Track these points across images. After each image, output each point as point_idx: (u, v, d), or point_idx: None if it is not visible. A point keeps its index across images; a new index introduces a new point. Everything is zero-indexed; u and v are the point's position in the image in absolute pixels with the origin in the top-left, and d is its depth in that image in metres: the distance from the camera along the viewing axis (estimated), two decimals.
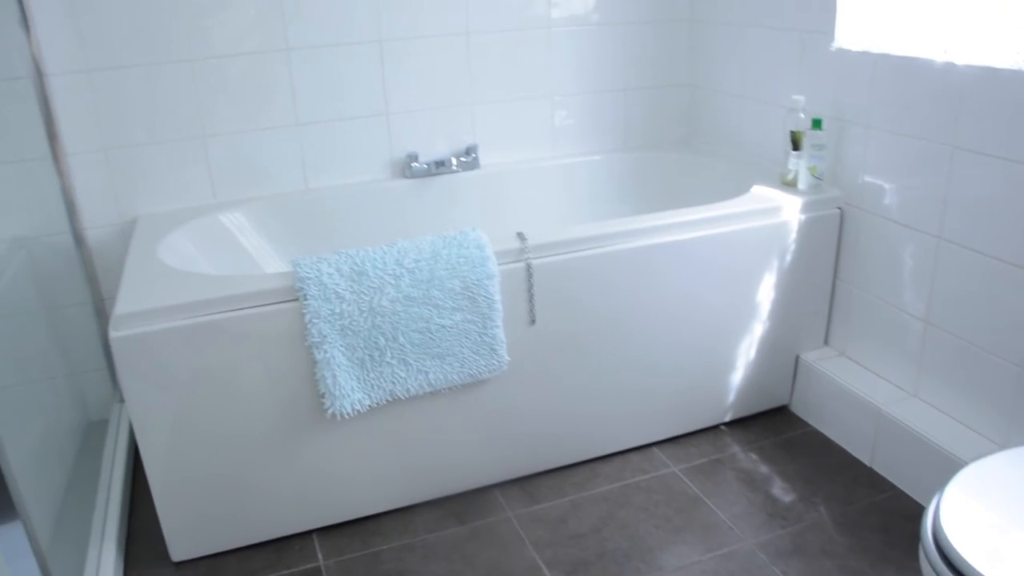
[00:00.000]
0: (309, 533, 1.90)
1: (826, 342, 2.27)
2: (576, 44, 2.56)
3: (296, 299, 1.68)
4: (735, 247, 2.03)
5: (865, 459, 2.05)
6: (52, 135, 2.10)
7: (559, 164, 2.63)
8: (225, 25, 2.20)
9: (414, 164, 2.43)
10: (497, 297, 1.79)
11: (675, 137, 2.79)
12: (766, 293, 2.12)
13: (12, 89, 2.04)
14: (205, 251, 2.11)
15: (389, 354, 1.74)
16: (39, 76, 2.06)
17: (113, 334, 1.61)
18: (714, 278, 2.03)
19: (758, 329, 2.15)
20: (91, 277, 2.24)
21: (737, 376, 2.18)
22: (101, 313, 2.28)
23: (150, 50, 2.15)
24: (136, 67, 2.15)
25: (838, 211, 2.12)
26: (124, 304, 1.65)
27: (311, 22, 2.27)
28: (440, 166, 2.46)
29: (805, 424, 2.23)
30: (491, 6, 2.43)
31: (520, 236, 1.84)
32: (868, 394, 2.02)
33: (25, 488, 1.30)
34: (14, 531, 1.27)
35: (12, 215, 2.11)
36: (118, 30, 2.11)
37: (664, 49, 2.67)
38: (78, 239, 2.20)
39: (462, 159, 2.49)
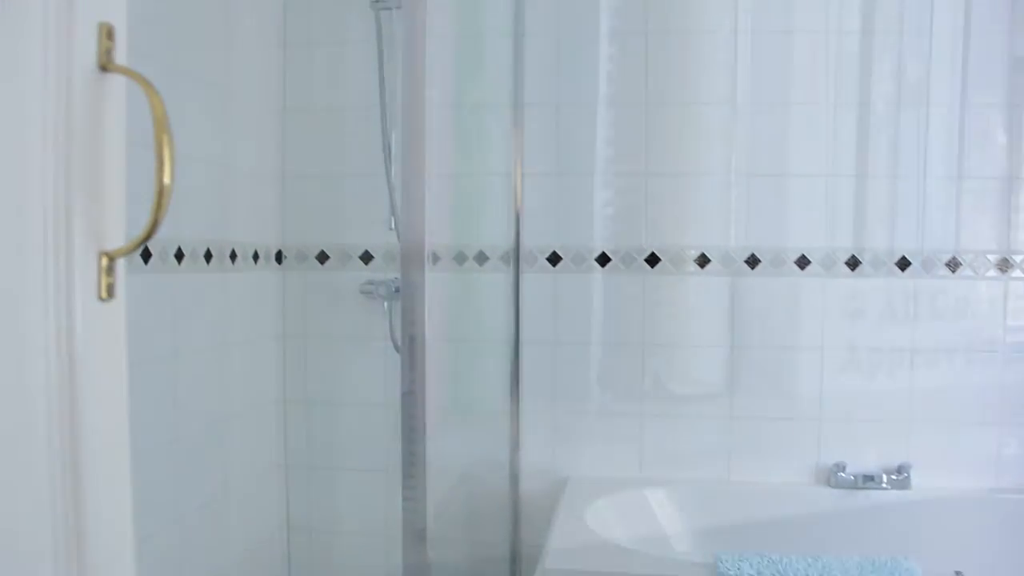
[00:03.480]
0: None
1: None
2: None
3: None
4: None
5: None
6: (514, 395, 2.47)
7: (1001, 499, 2.40)
8: (678, 318, 2.48)
9: (840, 474, 2.39)
10: None
11: None
12: None
13: (497, 351, 2.47)
14: (625, 521, 2.26)
15: None
16: (516, 343, 2.47)
17: None
18: None
19: None
20: (515, 521, 2.49)
21: None
22: (516, 556, 2.49)
23: (594, 329, 2.49)
24: (586, 344, 2.49)
25: None
26: (553, 560, 1.83)
27: (757, 323, 2.45)
28: (868, 480, 2.39)
29: None
30: (939, 326, 2.42)
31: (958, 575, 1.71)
32: None
33: None
34: None
35: (469, 453, 2.47)
36: (572, 310, 2.49)
37: None
38: (513, 484, 2.49)
39: (892, 477, 2.39)
